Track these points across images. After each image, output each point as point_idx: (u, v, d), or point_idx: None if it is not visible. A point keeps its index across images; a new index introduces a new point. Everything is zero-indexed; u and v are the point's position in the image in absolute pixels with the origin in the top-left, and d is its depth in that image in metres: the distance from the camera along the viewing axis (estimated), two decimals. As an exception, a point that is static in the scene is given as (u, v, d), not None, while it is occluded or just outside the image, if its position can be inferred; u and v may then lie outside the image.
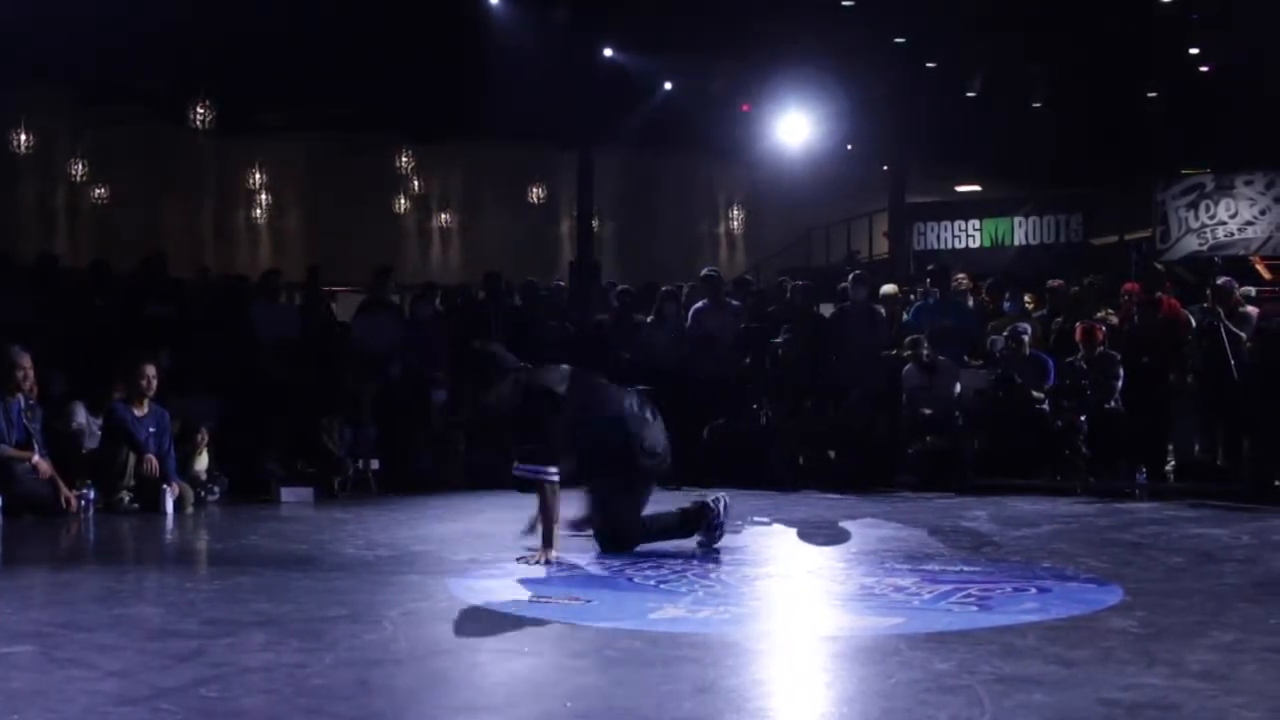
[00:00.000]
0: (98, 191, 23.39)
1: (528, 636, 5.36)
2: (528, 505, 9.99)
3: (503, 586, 6.54)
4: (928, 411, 12.17)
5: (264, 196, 25.45)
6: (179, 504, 10.07)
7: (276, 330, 12.68)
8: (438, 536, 8.58)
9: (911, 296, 14.03)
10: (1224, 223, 20.47)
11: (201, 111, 21.17)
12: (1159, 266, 14.15)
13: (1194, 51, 23.16)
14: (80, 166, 22.79)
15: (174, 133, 22.67)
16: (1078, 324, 12.14)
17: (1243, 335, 11.54)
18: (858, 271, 14.37)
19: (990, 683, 4.40)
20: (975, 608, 5.83)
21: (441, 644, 5.22)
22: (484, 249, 25.74)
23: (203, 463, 10.93)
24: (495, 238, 26.52)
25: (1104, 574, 6.78)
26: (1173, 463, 12.15)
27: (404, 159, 25.56)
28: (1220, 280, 12.35)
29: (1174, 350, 12.14)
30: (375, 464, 11.90)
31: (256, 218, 25.64)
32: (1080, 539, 8.33)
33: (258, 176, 25.23)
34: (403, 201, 26.37)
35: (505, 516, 9.71)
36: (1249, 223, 20.31)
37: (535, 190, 26.65)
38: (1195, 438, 12.32)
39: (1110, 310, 12.82)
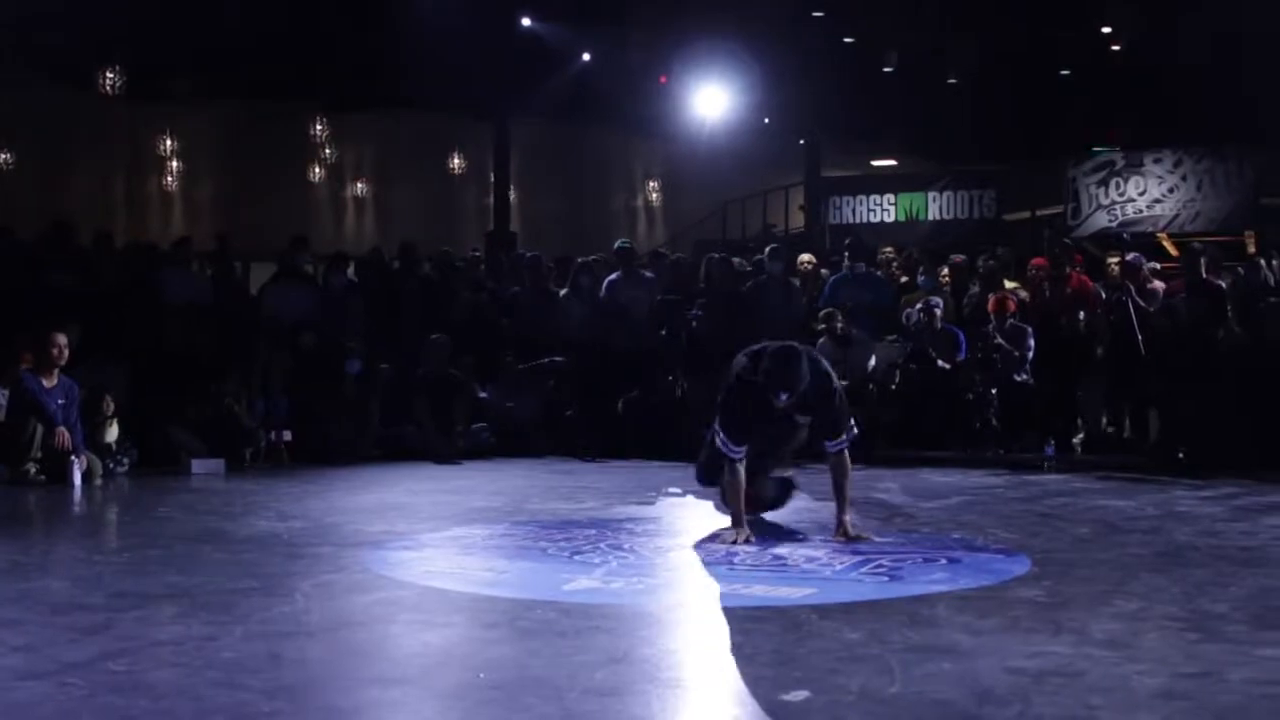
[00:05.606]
0: (3, 157, 22.91)
1: (441, 608, 5.35)
2: (439, 476, 10.02)
3: (416, 558, 6.52)
4: (843, 384, 12.25)
5: (175, 164, 25.07)
6: (87, 476, 9.93)
7: (187, 299, 12.52)
8: (351, 508, 8.53)
9: (823, 271, 14.10)
10: (1133, 200, 20.77)
11: (111, 77, 20.78)
12: (1068, 241, 14.34)
13: (1106, 30, 23.45)
14: (-13, 134, 22.32)
15: (83, 99, 22.24)
16: (990, 295, 12.28)
17: (1150, 310, 11.74)
18: (774, 245, 14.43)
19: (900, 652, 4.45)
20: (886, 578, 5.89)
21: (354, 616, 5.20)
22: (398, 219, 25.54)
23: (111, 434, 10.77)
24: (410, 207, 26.32)
25: (1012, 545, 6.88)
26: (1081, 435, 12.33)
27: (318, 127, 25.28)
28: (1129, 256, 12.56)
29: (1082, 324, 12.32)
30: (287, 435, 11.80)
31: (168, 185, 25.26)
32: (990, 510, 8.45)
33: (169, 143, 24.83)
34: (316, 170, 26.08)
35: (419, 488, 9.71)
36: (1157, 200, 20.62)
37: (451, 160, 26.47)
38: (1103, 411, 12.52)
39: (1019, 284, 12.97)
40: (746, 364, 6.95)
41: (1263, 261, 12.83)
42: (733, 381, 7.01)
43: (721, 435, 6.92)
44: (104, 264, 13.00)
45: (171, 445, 11.13)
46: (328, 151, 25.95)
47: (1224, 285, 11.97)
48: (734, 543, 6.72)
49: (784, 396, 6.62)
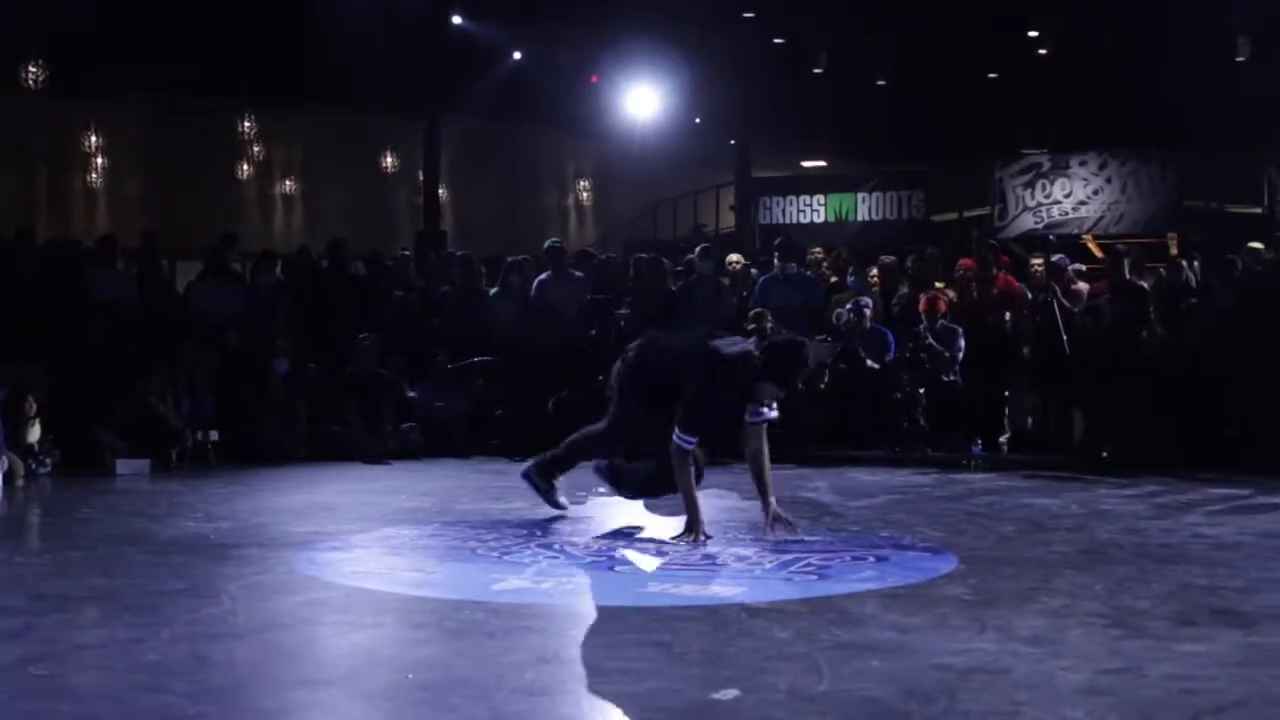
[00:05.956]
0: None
1: (369, 609, 5.32)
2: (367, 476, 9.95)
3: (345, 559, 6.48)
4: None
5: (100, 160, 24.74)
6: (8, 477, 9.77)
7: (111, 297, 12.37)
8: (279, 509, 8.46)
9: (752, 270, 14.14)
10: (1059, 202, 21.03)
11: (34, 71, 20.46)
12: (993, 242, 14.50)
13: (1032, 34, 23.71)
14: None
15: (4, 94, 21.88)
16: (922, 295, 12.38)
17: (1075, 311, 11.89)
18: (705, 244, 14.46)
19: (828, 650, 4.48)
20: (815, 576, 5.93)
21: (281, 618, 5.16)
22: (327, 217, 25.34)
23: (33, 434, 10.60)
24: (339, 206, 26.12)
25: (939, 543, 6.95)
26: (1007, 434, 12.46)
27: (246, 124, 25.04)
28: (1054, 257, 12.71)
29: (1008, 324, 12.45)
30: (214, 435, 11.67)
31: (92, 182, 24.92)
32: (917, 509, 8.52)
33: (93, 140, 24.49)
34: (245, 168, 25.83)
35: (348, 488, 9.66)
36: (1082, 202, 20.88)
37: (381, 158, 26.32)
38: (1028, 410, 12.66)
39: (946, 284, 13.08)
40: (739, 351, 6.90)
41: (1185, 263, 13.02)
42: (717, 368, 6.85)
43: (682, 430, 6.81)
44: (26, 262, 12.81)
45: (95, 445, 10.98)
46: (256, 149, 25.71)
47: (1147, 286, 12.14)
48: (693, 541, 6.75)
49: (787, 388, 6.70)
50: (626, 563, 6.34)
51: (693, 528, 6.88)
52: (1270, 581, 5.79)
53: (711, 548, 6.69)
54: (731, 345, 7.04)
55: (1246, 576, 5.92)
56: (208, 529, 7.49)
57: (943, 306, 12.15)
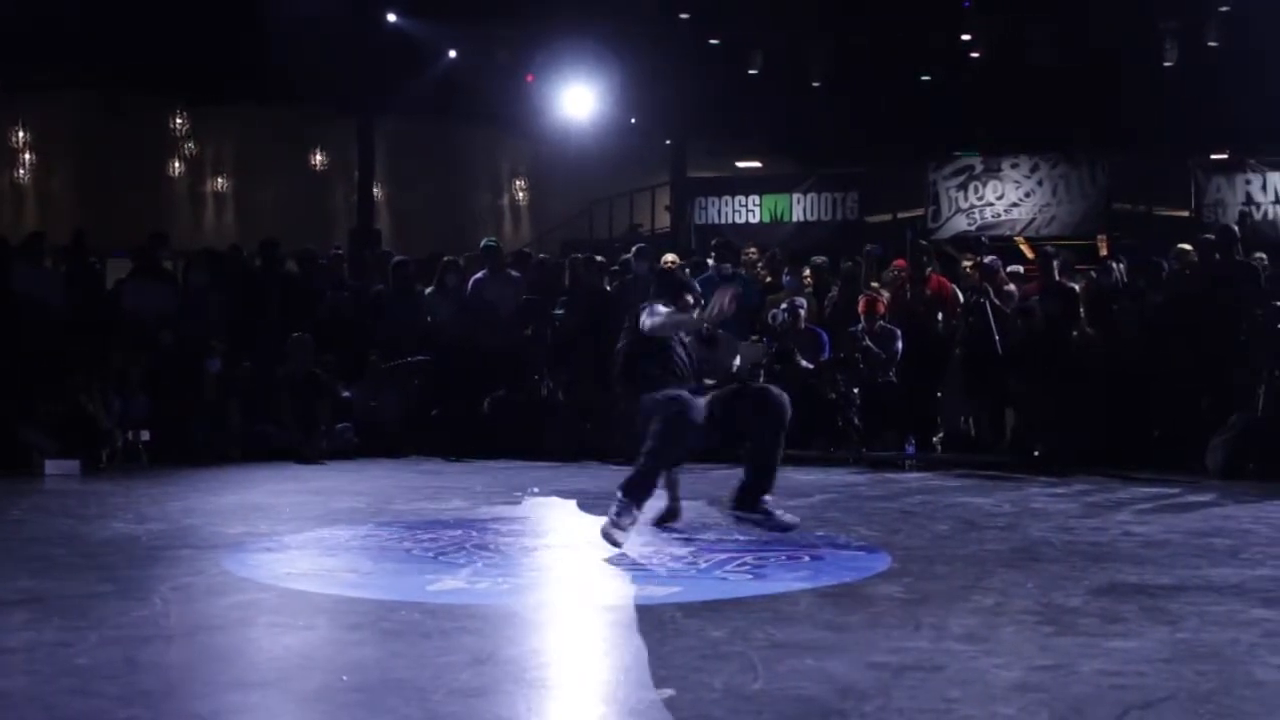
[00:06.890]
0: None
1: (303, 610, 5.28)
2: (301, 476, 9.89)
3: (278, 560, 6.43)
4: (708, 383, 12.32)
5: (28, 156, 24.41)
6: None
7: (39, 296, 12.20)
8: (211, 510, 8.38)
9: (687, 271, 14.16)
10: (991, 204, 21.25)
11: (-41, 66, 20.13)
12: (924, 243, 14.60)
13: (966, 37, 23.91)
14: None
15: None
16: (861, 296, 12.45)
17: (1007, 312, 12.00)
18: (640, 245, 14.47)
19: (764, 649, 4.50)
20: (750, 576, 5.95)
21: (214, 619, 5.11)
22: (260, 215, 25.10)
23: (-40, 434, 10.46)
24: (272, 204, 25.90)
25: (874, 542, 7.00)
26: (940, 434, 12.55)
27: (178, 120, 24.79)
28: (986, 259, 12.82)
29: (939, 325, 12.55)
30: (146, 435, 11.54)
31: (20, 178, 24.58)
32: (852, 508, 8.58)
33: (22, 135, 24.17)
34: (176, 165, 25.58)
35: (281, 489, 9.58)
36: (1014, 204, 21.11)
37: (314, 156, 26.15)
38: (961, 410, 12.76)
39: (878, 284, 13.15)
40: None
41: (1114, 264, 13.18)
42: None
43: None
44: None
45: (24, 446, 10.82)
46: (188, 146, 25.46)
47: (1076, 288, 12.28)
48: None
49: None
50: (562, 563, 6.34)
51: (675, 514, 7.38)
52: (1197, 579, 5.87)
53: (646, 548, 6.69)
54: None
55: (1174, 574, 6.00)
56: (139, 530, 7.41)
57: (881, 308, 12.22)
